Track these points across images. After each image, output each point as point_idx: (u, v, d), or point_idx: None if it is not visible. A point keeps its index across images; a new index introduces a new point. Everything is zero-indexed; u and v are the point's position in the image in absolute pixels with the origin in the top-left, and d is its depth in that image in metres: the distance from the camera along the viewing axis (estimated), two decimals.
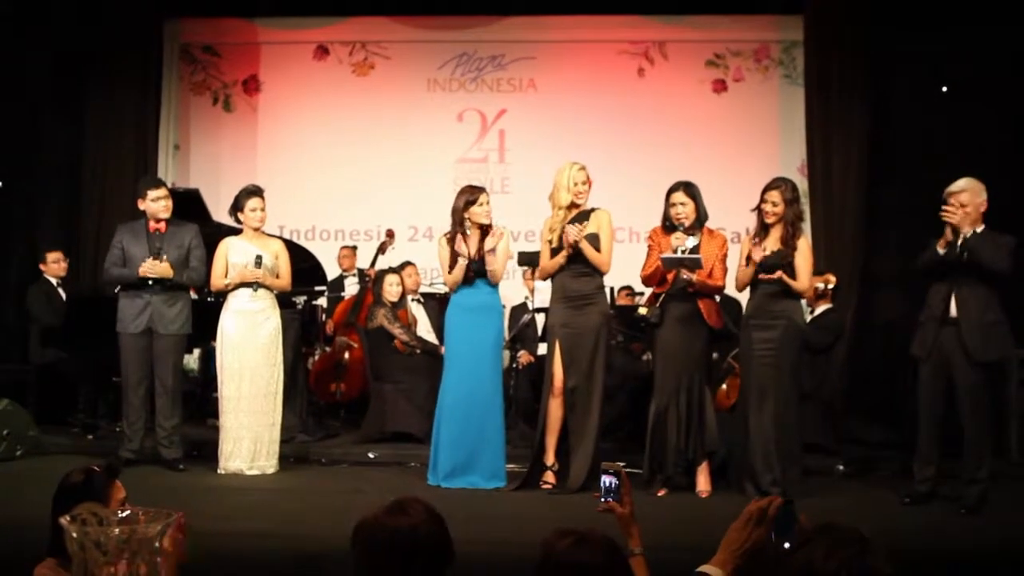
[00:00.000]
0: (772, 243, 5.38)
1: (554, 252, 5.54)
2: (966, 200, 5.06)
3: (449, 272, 5.64)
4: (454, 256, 5.60)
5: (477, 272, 5.59)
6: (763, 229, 5.45)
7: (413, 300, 7.74)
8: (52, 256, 7.67)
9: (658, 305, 5.47)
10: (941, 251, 5.08)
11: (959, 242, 5.03)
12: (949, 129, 7.91)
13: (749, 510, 2.00)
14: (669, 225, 5.50)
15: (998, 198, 5.23)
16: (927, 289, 5.21)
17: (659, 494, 5.36)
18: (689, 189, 5.48)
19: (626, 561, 1.98)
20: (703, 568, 1.95)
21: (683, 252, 5.34)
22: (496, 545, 4.10)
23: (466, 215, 5.60)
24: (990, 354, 5.03)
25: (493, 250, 5.54)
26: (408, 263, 7.84)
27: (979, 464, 5.02)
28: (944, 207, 5.03)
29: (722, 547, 1.99)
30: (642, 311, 5.50)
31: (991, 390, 5.21)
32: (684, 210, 5.44)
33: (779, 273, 5.27)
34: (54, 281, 7.59)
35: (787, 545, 1.91)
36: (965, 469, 5.07)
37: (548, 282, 5.80)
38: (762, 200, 5.44)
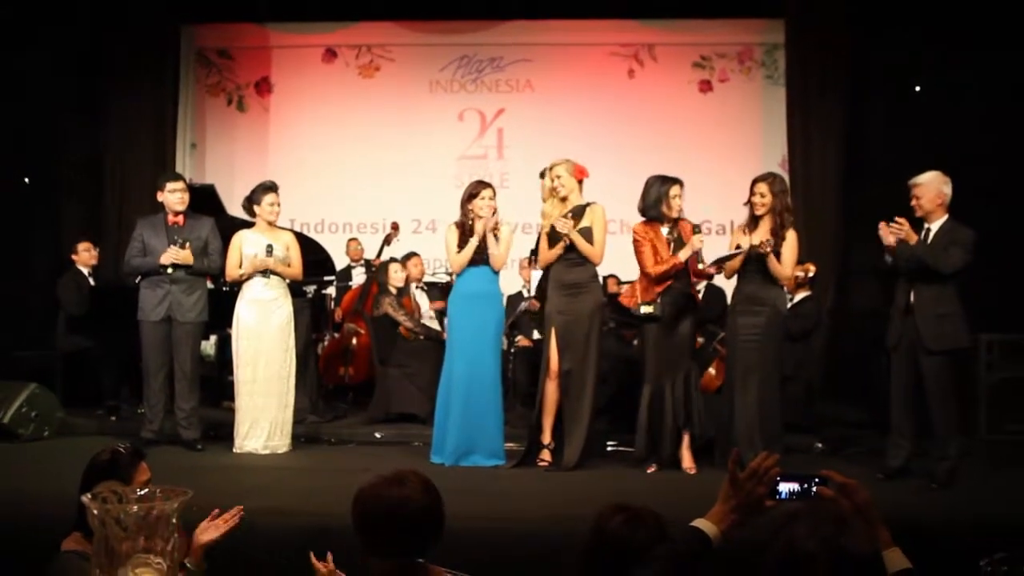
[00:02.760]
0: (762, 234, 5.37)
1: (551, 241, 5.54)
2: (921, 193, 5.10)
3: (458, 253, 5.64)
4: (462, 238, 5.61)
5: (480, 256, 5.60)
6: (753, 221, 5.45)
7: (417, 288, 7.74)
8: (82, 246, 7.61)
9: (659, 301, 5.44)
10: (889, 259, 5.12)
11: (922, 234, 5.08)
12: (922, 126, 7.91)
13: (752, 466, 1.91)
14: (655, 215, 5.48)
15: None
16: (895, 283, 5.23)
17: (648, 471, 5.37)
18: (682, 185, 5.49)
19: (669, 537, 1.93)
20: (697, 522, 1.89)
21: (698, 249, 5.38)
22: (496, 520, 4.11)
23: (469, 207, 5.62)
24: (943, 344, 5.02)
25: (495, 234, 5.57)
26: (413, 253, 7.84)
27: (948, 442, 5.03)
28: (891, 223, 5.02)
29: (720, 500, 1.91)
30: (645, 309, 5.43)
31: (957, 373, 5.22)
32: (680, 203, 5.46)
33: (767, 247, 5.23)
34: (85, 270, 7.57)
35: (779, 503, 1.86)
36: (935, 447, 5.09)
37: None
38: (752, 192, 5.44)
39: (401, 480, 2.13)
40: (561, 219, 5.44)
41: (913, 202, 5.12)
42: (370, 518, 2.11)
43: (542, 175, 5.76)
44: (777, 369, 5.47)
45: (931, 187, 5.09)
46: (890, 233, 5.03)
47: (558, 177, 5.53)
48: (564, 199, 5.53)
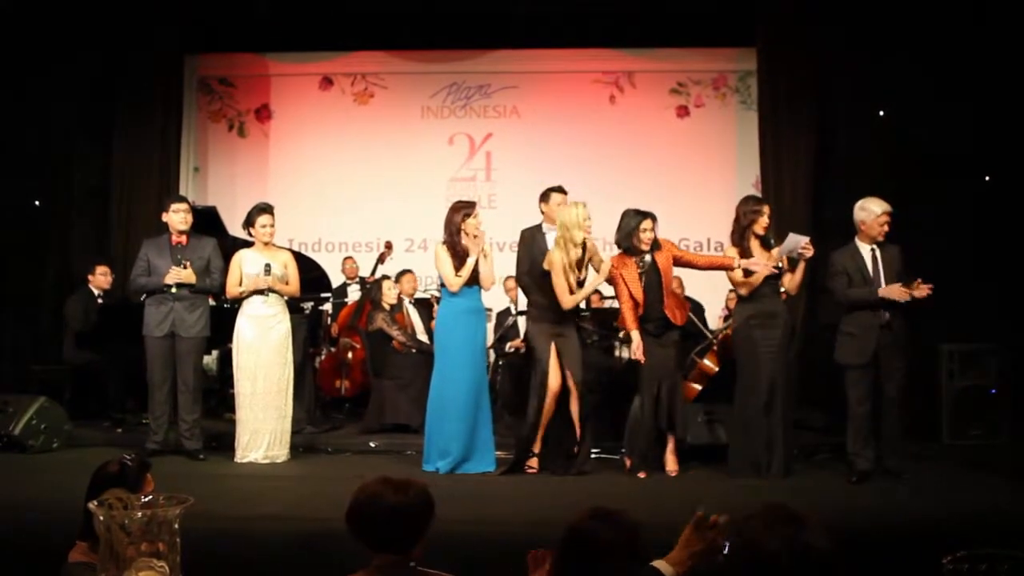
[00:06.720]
0: (756, 252, 5.44)
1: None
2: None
3: (456, 274, 5.56)
4: (457, 259, 5.57)
5: (471, 275, 5.60)
6: (742, 239, 5.48)
7: (409, 303, 7.73)
8: (100, 269, 7.63)
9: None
10: (887, 315, 5.18)
11: (867, 259, 5.29)
12: (885, 148, 7.98)
13: (714, 518, 1.93)
14: (626, 247, 5.48)
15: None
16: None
17: (640, 476, 5.39)
18: (655, 219, 5.50)
19: (640, 542, 1.93)
20: (657, 563, 1.90)
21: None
22: (487, 524, 4.11)
23: (463, 226, 5.59)
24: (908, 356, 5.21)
25: (483, 254, 5.59)
26: (407, 271, 7.84)
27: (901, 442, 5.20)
28: (909, 286, 5.12)
29: (679, 546, 1.93)
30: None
31: (920, 381, 5.32)
32: (651, 235, 5.43)
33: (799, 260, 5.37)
34: (96, 292, 7.55)
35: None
36: (890, 447, 5.23)
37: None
38: (759, 213, 5.47)
39: (381, 483, 2.18)
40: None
41: (885, 227, 5.19)
42: (364, 521, 2.15)
43: (547, 194, 5.71)
44: (791, 378, 5.53)
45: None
46: (911, 293, 5.07)
47: (589, 218, 5.44)
48: (582, 243, 5.46)
